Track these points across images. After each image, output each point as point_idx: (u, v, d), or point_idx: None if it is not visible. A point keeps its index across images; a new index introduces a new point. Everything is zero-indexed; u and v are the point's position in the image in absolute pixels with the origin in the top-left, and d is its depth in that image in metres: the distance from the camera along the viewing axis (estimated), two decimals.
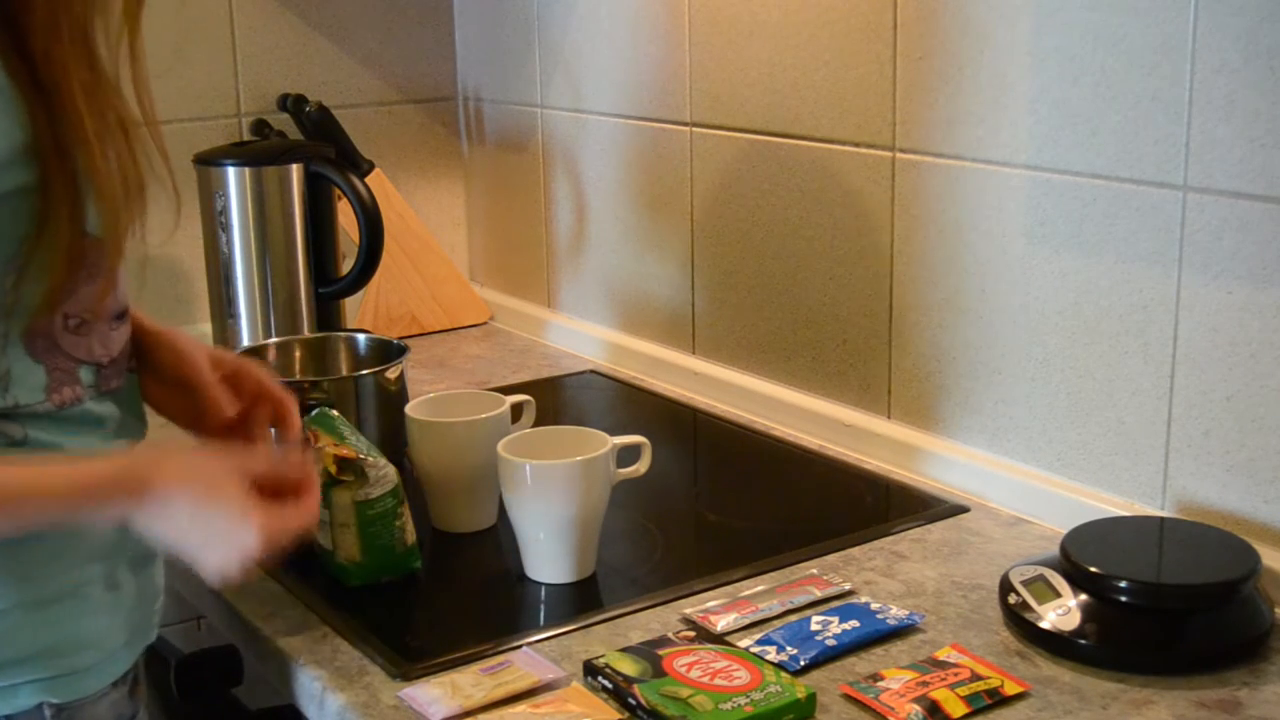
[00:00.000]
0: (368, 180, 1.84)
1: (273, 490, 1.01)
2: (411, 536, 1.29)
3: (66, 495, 0.95)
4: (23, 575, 0.99)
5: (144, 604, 1.08)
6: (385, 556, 1.27)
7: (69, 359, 1.00)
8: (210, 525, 0.98)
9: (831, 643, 1.14)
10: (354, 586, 1.27)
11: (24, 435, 0.98)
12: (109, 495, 0.97)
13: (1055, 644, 1.13)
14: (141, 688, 1.10)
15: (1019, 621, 1.16)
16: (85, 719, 1.02)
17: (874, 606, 1.20)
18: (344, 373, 1.62)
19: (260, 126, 2.05)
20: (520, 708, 1.06)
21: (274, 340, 1.69)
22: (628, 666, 1.09)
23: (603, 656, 1.12)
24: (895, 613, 1.19)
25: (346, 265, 1.86)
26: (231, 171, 1.80)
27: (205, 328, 1.93)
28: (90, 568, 1.02)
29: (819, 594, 1.23)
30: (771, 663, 1.11)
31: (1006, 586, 1.19)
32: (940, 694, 1.05)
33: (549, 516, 1.25)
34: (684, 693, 1.04)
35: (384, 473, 1.26)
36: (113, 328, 1.04)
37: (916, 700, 1.05)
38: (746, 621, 1.19)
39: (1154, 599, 1.14)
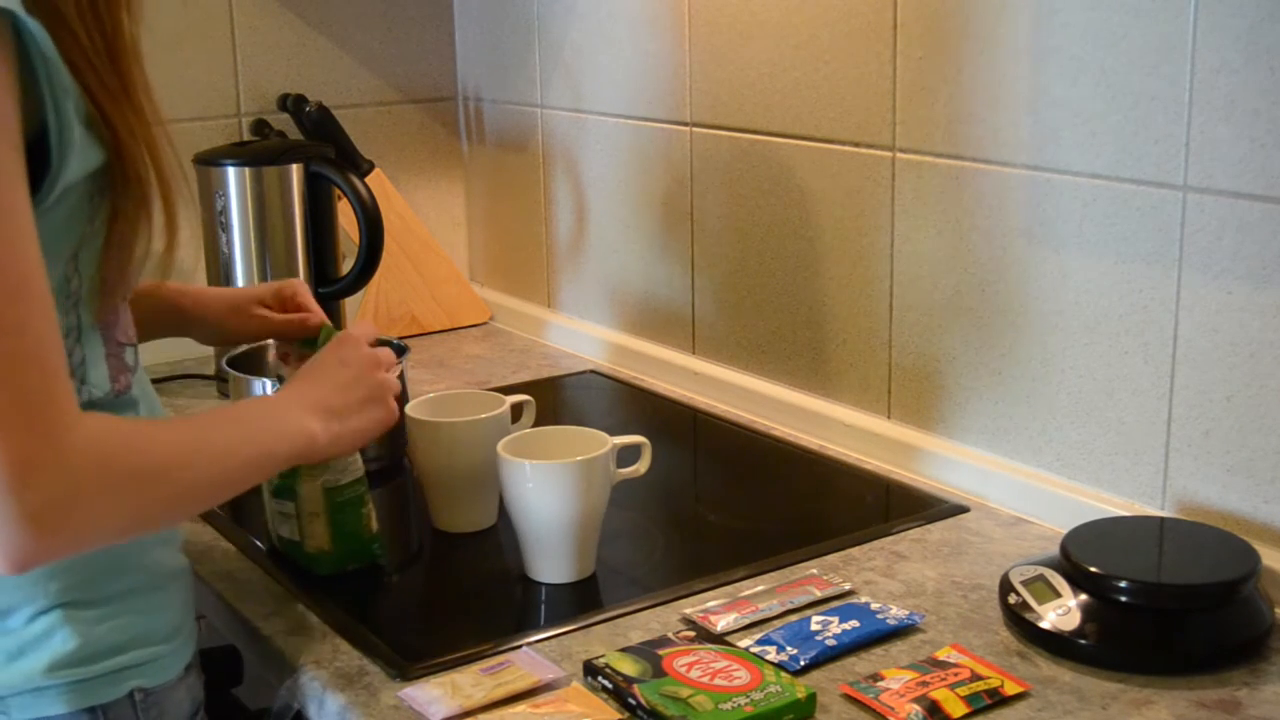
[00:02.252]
0: (368, 180, 1.84)
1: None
2: (375, 525, 1.31)
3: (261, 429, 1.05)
4: (117, 567, 1.01)
5: (188, 588, 1.11)
6: (353, 544, 1.29)
7: (117, 343, 1.01)
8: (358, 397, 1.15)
9: (831, 643, 1.14)
10: (324, 575, 1.29)
11: None
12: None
13: (1055, 644, 1.13)
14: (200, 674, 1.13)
15: (1019, 621, 1.16)
16: (168, 704, 1.04)
17: (874, 606, 1.20)
18: None
19: (260, 126, 2.05)
20: (520, 708, 1.06)
21: (274, 340, 1.69)
22: (628, 666, 1.09)
23: (603, 656, 1.11)
24: (895, 613, 1.19)
25: (346, 265, 1.86)
26: (231, 171, 1.80)
27: None
28: (161, 551, 1.06)
29: (819, 594, 1.23)
30: (771, 663, 1.11)
31: (1006, 586, 1.19)
32: (940, 694, 1.05)
33: (549, 516, 1.25)
34: (684, 693, 1.04)
35: (351, 460, 1.27)
36: (130, 307, 1.06)
37: (916, 700, 1.04)
38: (746, 621, 1.18)
39: (1154, 599, 1.14)
